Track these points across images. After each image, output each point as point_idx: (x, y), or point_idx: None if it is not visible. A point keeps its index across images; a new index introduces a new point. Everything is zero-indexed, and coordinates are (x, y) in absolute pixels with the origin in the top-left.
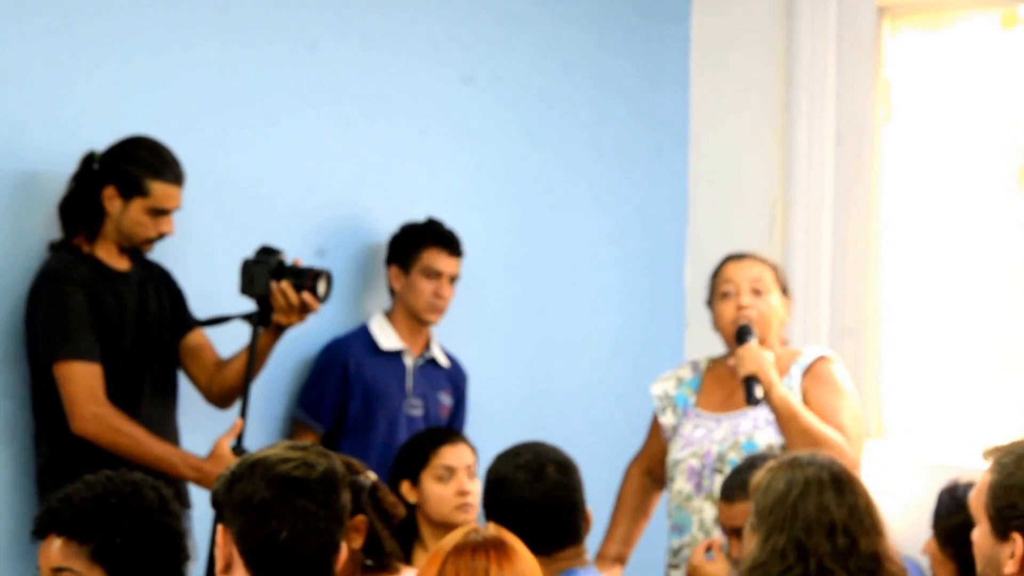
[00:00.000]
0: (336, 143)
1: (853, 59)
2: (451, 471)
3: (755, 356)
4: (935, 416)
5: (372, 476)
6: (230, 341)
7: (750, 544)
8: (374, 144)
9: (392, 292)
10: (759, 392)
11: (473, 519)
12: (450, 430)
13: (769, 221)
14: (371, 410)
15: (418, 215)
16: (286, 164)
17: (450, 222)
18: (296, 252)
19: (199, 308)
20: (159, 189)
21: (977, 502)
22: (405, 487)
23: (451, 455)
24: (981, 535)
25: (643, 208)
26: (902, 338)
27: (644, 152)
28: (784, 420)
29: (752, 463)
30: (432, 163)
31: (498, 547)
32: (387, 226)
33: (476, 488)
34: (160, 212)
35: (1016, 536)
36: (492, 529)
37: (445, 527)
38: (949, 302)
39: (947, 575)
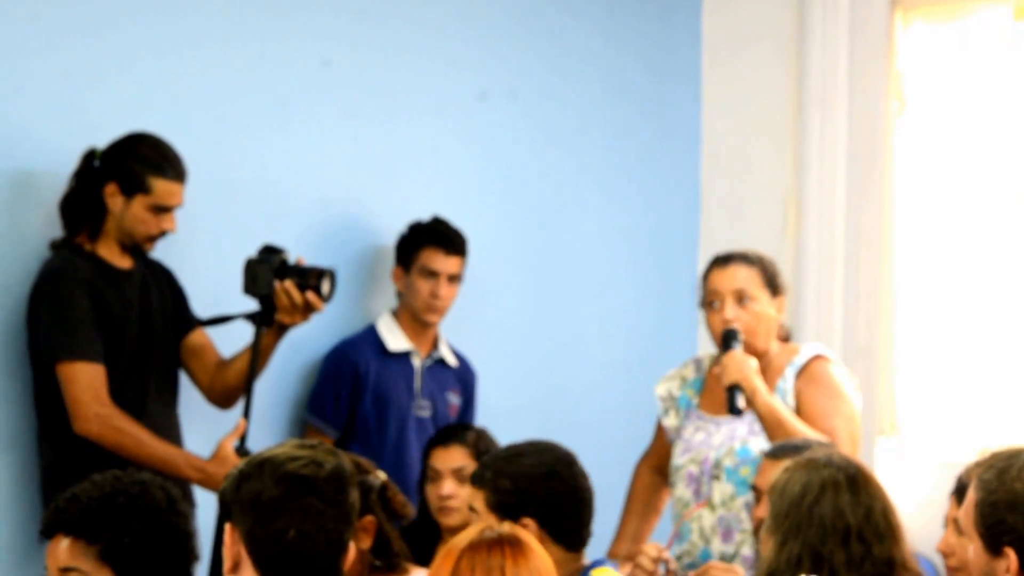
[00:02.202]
0: (344, 142)
1: (865, 52)
2: (437, 474)
3: (738, 364)
4: (948, 413)
5: (382, 476)
6: (233, 340)
7: (767, 547)
8: (382, 142)
9: (399, 292)
10: (741, 402)
11: (456, 523)
12: (452, 431)
13: (782, 216)
14: (381, 412)
15: (426, 214)
16: (293, 164)
17: (460, 220)
18: (303, 252)
19: (204, 307)
20: (161, 186)
21: (967, 520)
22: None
23: (439, 458)
24: (975, 553)
25: (655, 205)
26: (916, 334)
27: (656, 149)
28: (770, 427)
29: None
30: (441, 161)
31: (513, 544)
32: (394, 225)
33: (467, 491)
34: (162, 209)
35: (1009, 551)
36: (507, 527)
37: (442, 525)
38: (963, 296)
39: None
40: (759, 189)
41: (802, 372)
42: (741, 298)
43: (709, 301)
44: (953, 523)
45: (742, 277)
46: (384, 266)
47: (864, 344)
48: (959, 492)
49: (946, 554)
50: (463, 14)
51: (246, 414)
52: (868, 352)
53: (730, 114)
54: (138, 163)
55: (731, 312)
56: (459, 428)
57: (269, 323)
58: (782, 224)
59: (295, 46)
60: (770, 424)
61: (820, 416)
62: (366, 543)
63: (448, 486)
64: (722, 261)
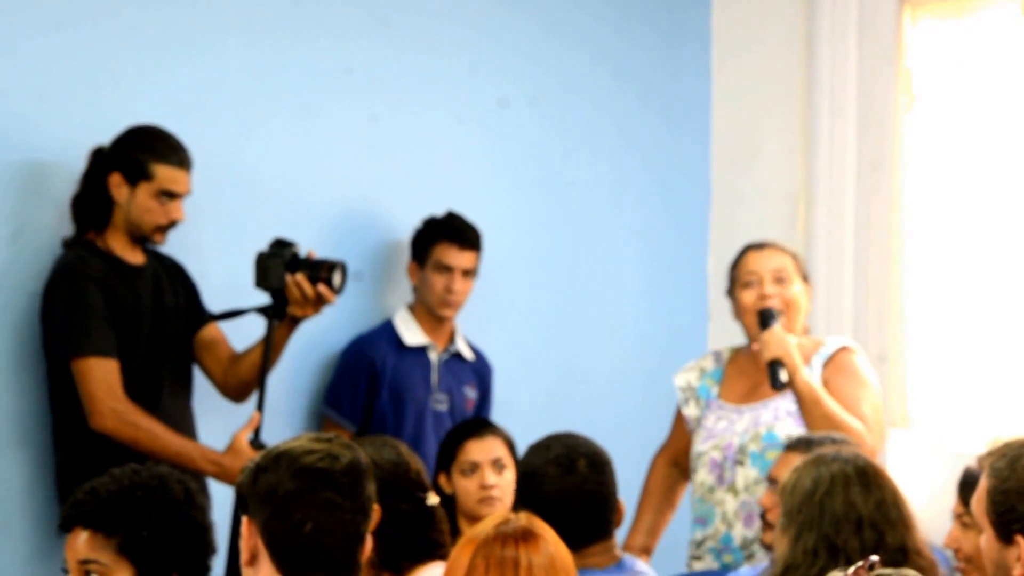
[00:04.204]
0: (359, 138)
1: (874, 49)
2: (475, 466)
3: (779, 340)
4: (960, 405)
5: (434, 499)
6: (246, 334)
7: (781, 544)
8: (396, 138)
9: (414, 287)
10: (784, 376)
11: (499, 511)
12: (480, 423)
13: (791, 212)
14: (398, 406)
15: (439, 209)
16: (308, 159)
17: (472, 216)
18: (320, 249)
19: (216, 302)
20: (164, 172)
21: (978, 509)
22: (442, 479)
23: (475, 450)
24: (987, 541)
25: (666, 200)
26: (925, 326)
27: (666, 144)
28: (807, 405)
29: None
30: (456, 158)
31: (528, 537)
32: (409, 220)
33: (506, 479)
34: (168, 196)
35: (1020, 539)
36: (524, 519)
37: (473, 519)
38: (972, 289)
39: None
40: (769, 185)
41: (829, 362)
42: (779, 279)
43: (745, 282)
44: (959, 518)
45: (779, 260)
46: (400, 261)
47: (875, 337)
48: (963, 487)
49: (953, 549)
50: (482, 20)
51: (260, 407)
52: (879, 345)
53: (740, 111)
54: (139, 151)
55: (770, 288)
56: (484, 420)
57: (281, 316)
58: (792, 219)
59: (317, 47)
60: (807, 402)
61: (849, 404)
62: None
63: (491, 476)
64: (758, 246)
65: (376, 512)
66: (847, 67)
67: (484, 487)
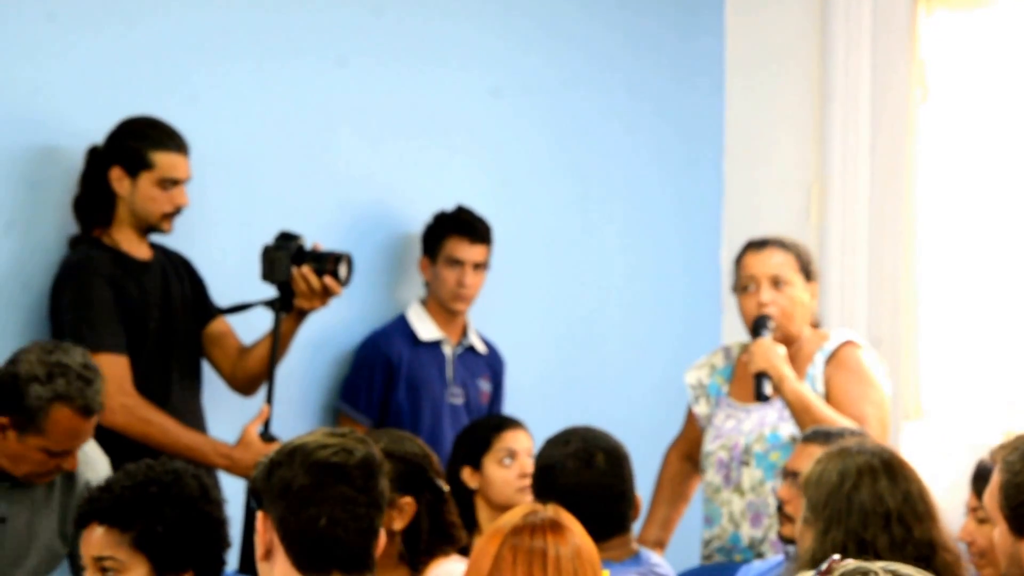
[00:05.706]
0: (368, 132)
1: (888, 40)
2: (514, 454)
3: (765, 352)
4: (973, 397)
5: (446, 487)
6: (253, 328)
7: (806, 539)
8: (407, 131)
9: (426, 282)
10: (768, 389)
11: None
12: (507, 417)
13: (805, 204)
14: (415, 401)
15: (450, 202)
16: (317, 155)
17: (483, 209)
18: (331, 245)
19: (224, 296)
20: (163, 159)
21: (992, 503)
22: (466, 473)
23: (513, 439)
24: (1000, 535)
25: (678, 192)
26: (939, 319)
27: (678, 136)
28: (798, 413)
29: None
30: (464, 148)
31: (556, 528)
32: (421, 214)
33: None
34: (169, 183)
35: None
36: (551, 510)
37: (507, 509)
38: (986, 281)
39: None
40: (782, 177)
41: (832, 358)
42: (777, 282)
43: (743, 285)
44: (972, 512)
45: (778, 261)
46: (412, 256)
47: (888, 330)
48: (977, 481)
49: (967, 543)
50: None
51: (269, 400)
52: (892, 337)
53: (753, 102)
54: (136, 141)
55: (767, 295)
56: (510, 416)
57: (288, 309)
58: (805, 212)
59: (314, 43)
60: (798, 411)
61: (849, 402)
62: (399, 524)
63: (530, 465)
64: (757, 245)
65: (410, 506)
66: (861, 58)
67: (524, 475)
